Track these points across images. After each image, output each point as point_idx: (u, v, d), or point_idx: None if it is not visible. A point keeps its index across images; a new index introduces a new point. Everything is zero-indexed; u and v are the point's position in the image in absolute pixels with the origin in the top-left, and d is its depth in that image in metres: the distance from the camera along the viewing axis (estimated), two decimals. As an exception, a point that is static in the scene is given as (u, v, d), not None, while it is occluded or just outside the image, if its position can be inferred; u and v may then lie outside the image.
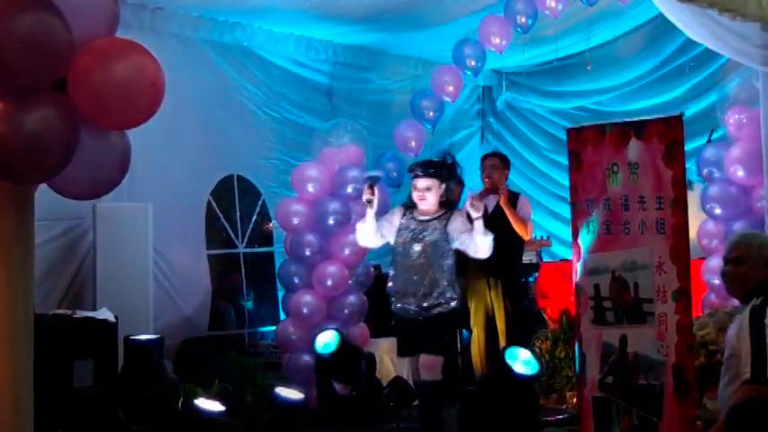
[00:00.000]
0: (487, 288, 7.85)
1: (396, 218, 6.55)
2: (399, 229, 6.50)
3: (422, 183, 6.43)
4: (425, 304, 6.35)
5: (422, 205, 6.46)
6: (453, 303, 6.41)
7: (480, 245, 6.36)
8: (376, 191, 6.45)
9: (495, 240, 7.70)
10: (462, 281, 8.02)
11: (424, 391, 6.45)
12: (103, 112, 3.80)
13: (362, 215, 6.68)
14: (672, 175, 4.97)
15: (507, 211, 7.68)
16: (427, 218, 6.46)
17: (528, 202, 8.02)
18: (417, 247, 6.39)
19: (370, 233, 6.57)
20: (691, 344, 4.97)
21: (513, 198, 7.90)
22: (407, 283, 6.40)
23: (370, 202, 6.42)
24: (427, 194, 6.41)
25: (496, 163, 8.04)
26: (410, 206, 6.55)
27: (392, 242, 6.55)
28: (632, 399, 5.14)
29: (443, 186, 6.48)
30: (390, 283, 6.59)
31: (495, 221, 7.74)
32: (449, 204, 6.55)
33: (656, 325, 5.00)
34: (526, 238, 7.86)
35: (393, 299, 6.52)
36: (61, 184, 3.91)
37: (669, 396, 4.94)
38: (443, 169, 6.52)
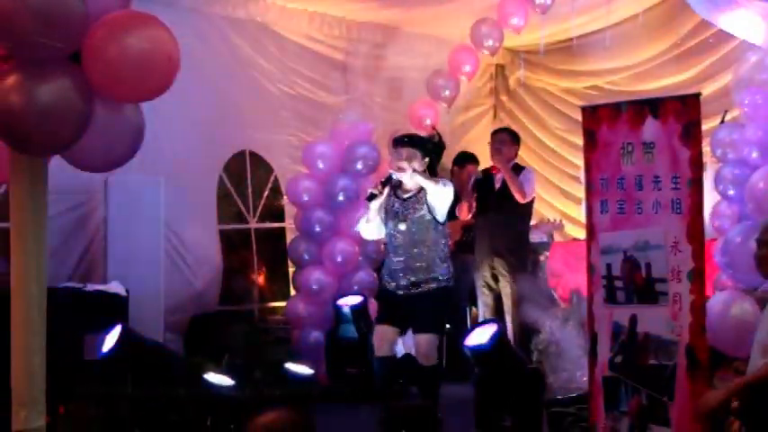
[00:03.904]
0: (492, 267, 7.86)
1: (384, 201, 6.47)
2: (386, 212, 6.47)
3: (404, 152, 6.37)
4: (413, 279, 6.31)
5: (401, 176, 6.39)
6: (444, 281, 6.38)
7: (436, 195, 6.29)
8: (386, 190, 6.42)
9: (501, 218, 7.77)
10: (470, 258, 8.06)
11: (421, 377, 6.42)
12: (118, 85, 3.79)
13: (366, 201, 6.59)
14: (689, 155, 4.94)
15: (506, 175, 7.74)
16: (409, 195, 6.41)
17: (532, 175, 8.04)
18: (402, 227, 6.38)
19: (375, 229, 6.54)
20: (703, 324, 4.94)
21: (518, 170, 7.95)
22: (396, 264, 6.39)
23: (374, 197, 6.39)
24: (407, 165, 6.35)
25: (505, 138, 8.07)
26: (394, 185, 6.45)
27: None
28: (642, 379, 5.13)
29: (426, 160, 6.43)
30: (383, 267, 6.64)
31: (501, 198, 7.78)
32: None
33: (670, 305, 4.98)
34: (521, 201, 7.83)
35: (383, 281, 6.58)
36: (75, 156, 3.91)
37: (682, 376, 4.93)
38: (427, 142, 6.54)
